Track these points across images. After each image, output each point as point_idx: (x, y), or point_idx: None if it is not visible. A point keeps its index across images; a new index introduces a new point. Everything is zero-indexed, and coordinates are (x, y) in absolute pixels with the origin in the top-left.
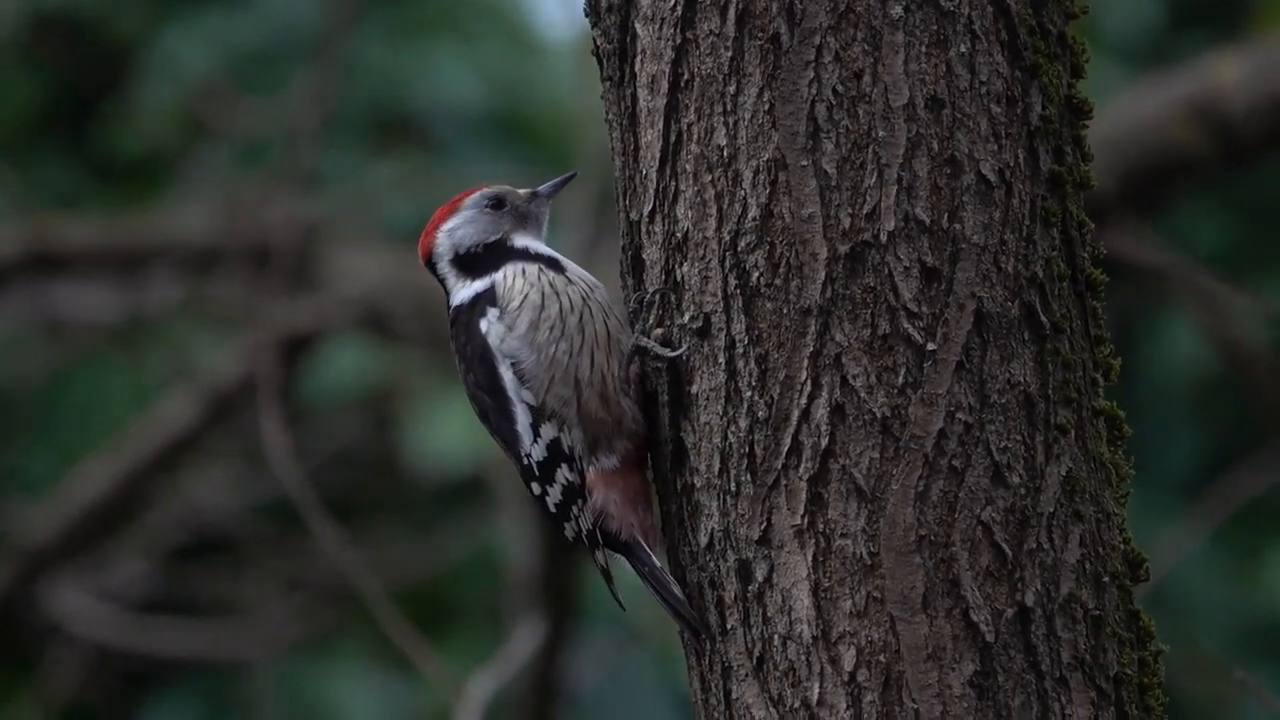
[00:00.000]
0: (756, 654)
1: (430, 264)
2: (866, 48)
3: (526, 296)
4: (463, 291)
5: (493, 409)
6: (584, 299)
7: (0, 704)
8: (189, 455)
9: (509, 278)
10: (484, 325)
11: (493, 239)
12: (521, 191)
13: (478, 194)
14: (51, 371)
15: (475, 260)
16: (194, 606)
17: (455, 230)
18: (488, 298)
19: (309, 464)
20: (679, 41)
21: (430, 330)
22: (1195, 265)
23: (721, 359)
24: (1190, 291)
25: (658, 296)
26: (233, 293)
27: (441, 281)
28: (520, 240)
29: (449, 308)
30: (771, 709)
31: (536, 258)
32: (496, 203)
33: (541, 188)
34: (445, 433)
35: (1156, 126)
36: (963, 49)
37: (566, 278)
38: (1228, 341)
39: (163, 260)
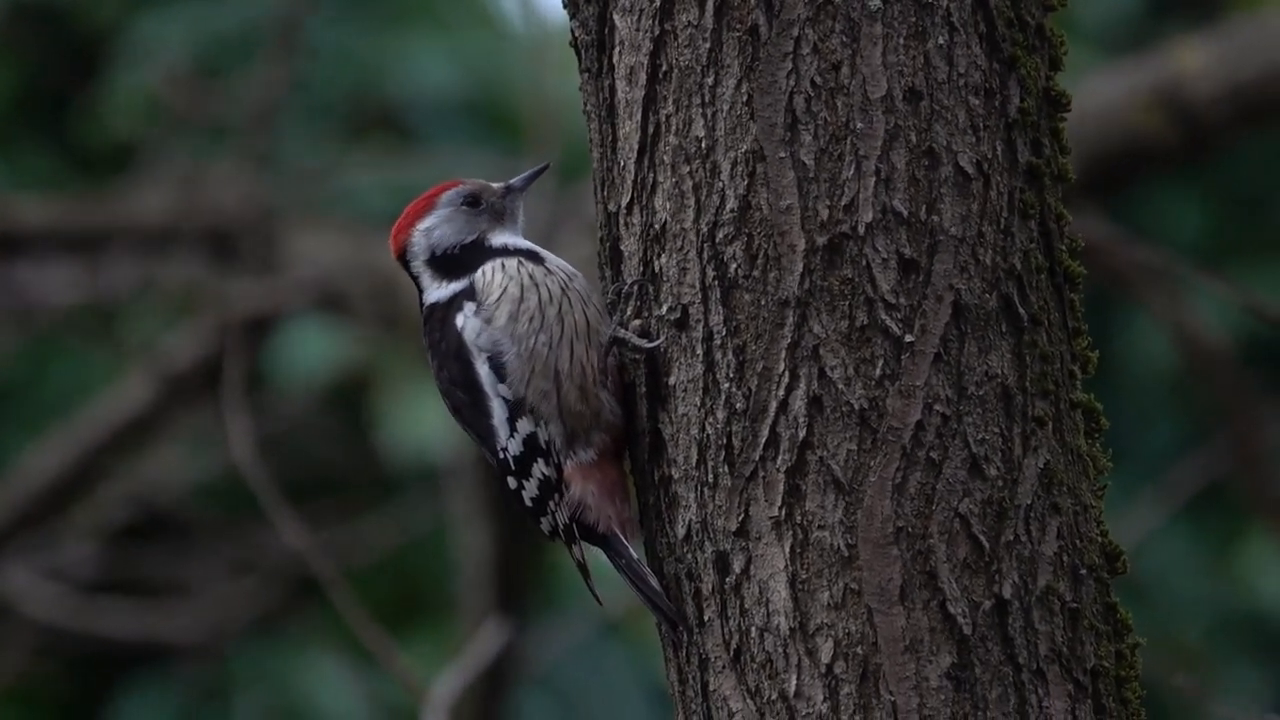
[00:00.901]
0: (734, 646)
1: (403, 260)
2: (845, 39)
3: (505, 289)
4: (438, 291)
5: (467, 404)
6: (563, 289)
7: None
8: (146, 437)
9: (488, 274)
10: (460, 320)
11: (470, 239)
12: (496, 186)
13: (452, 191)
14: (17, 354)
15: (453, 261)
16: (145, 588)
17: (432, 230)
18: (465, 294)
19: (276, 449)
20: (657, 33)
21: (387, 312)
22: (1160, 252)
23: (699, 350)
24: (1151, 280)
25: (636, 288)
26: (189, 274)
27: (415, 278)
28: (498, 239)
29: (421, 305)
30: (749, 701)
31: (515, 252)
32: (472, 200)
33: (515, 180)
34: (418, 421)
35: (1119, 112)
36: (941, 41)
37: (545, 268)
38: (1185, 332)
39: (121, 241)
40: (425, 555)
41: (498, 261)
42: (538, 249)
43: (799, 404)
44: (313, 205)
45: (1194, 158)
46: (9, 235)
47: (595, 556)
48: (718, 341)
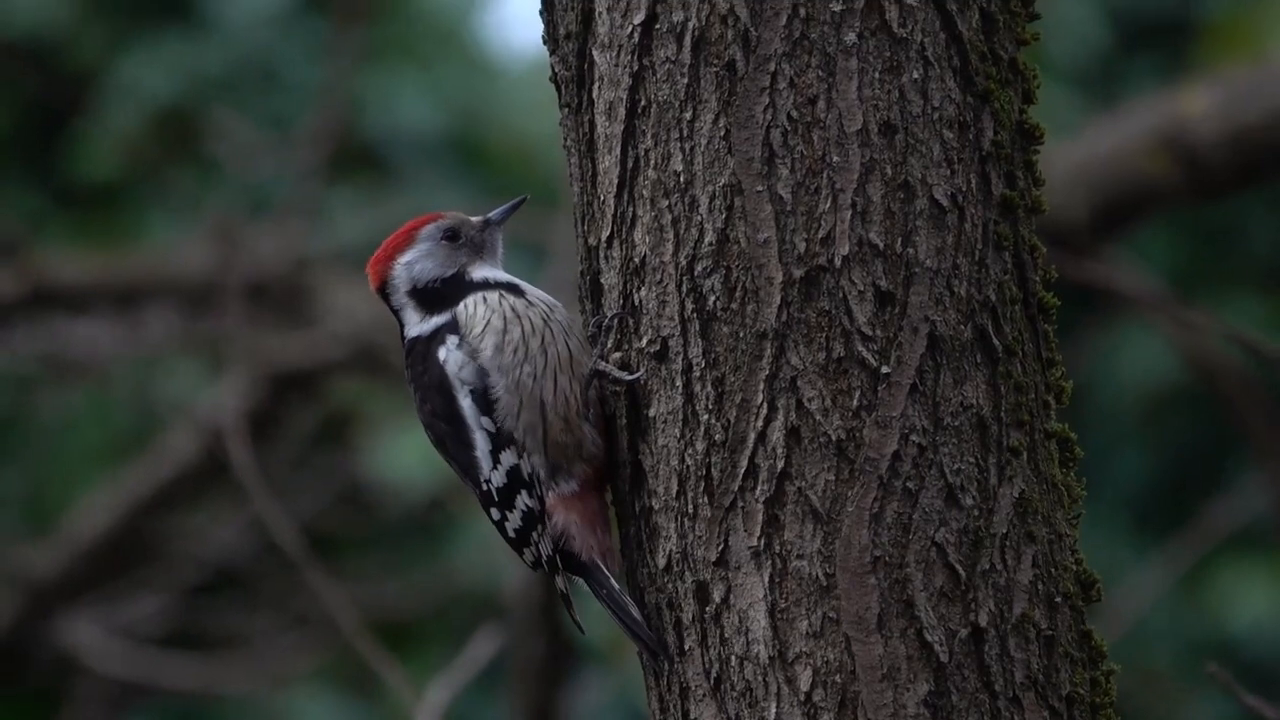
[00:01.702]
0: (714, 674)
1: (383, 293)
2: (821, 74)
3: (489, 322)
4: (421, 325)
5: (450, 436)
6: (544, 320)
7: None
8: (196, 491)
9: (470, 307)
10: (442, 353)
11: (451, 273)
12: (475, 219)
13: (432, 225)
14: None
15: (434, 294)
16: (210, 641)
17: (413, 264)
18: (448, 327)
19: (313, 500)
20: (636, 68)
21: None
22: (1163, 287)
23: (679, 382)
24: (1164, 313)
25: (616, 320)
26: (227, 328)
27: (396, 312)
28: (479, 272)
29: (403, 339)
30: None
31: (496, 285)
32: (452, 235)
33: (493, 214)
34: (406, 457)
35: (1127, 157)
36: (915, 75)
37: (526, 300)
38: (1202, 358)
39: (158, 296)
40: (420, 590)
41: (479, 295)
42: (518, 281)
43: (777, 435)
44: (341, 255)
45: (1199, 201)
46: (46, 292)
47: (579, 586)
48: (697, 373)
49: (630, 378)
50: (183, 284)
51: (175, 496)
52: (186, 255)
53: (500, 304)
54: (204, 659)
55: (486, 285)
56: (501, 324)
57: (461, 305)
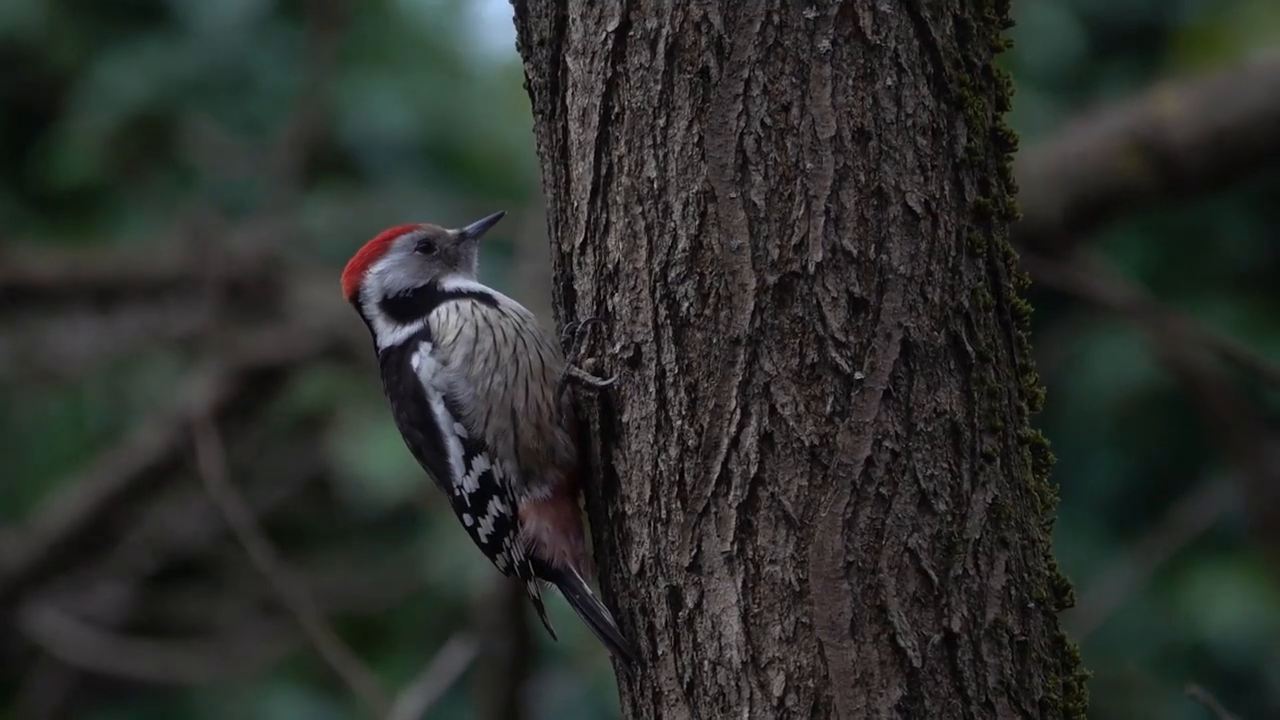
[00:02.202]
0: (687, 679)
1: (356, 302)
2: (794, 81)
3: (460, 331)
4: (394, 334)
5: (425, 444)
6: (517, 330)
7: None
8: (164, 484)
9: (442, 315)
10: (415, 361)
11: (423, 283)
12: (450, 232)
13: (406, 236)
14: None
15: (405, 304)
16: (174, 629)
17: (385, 274)
18: (421, 335)
19: (274, 493)
20: (609, 75)
21: None
22: (1140, 291)
23: (652, 388)
24: (1140, 316)
25: (589, 327)
26: (199, 323)
27: (368, 322)
28: (451, 283)
29: (376, 349)
30: None
31: (469, 295)
32: (426, 246)
33: (469, 228)
34: (380, 459)
35: (1100, 158)
36: (889, 82)
37: (499, 310)
38: (1180, 363)
39: (131, 292)
40: (391, 592)
41: (451, 304)
42: (490, 291)
43: (750, 440)
44: (314, 254)
45: (1173, 202)
46: (18, 286)
47: (551, 591)
48: (670, 379)
49: (603, 383)
50: (155, 281)
51: (145, 489)
52: (159, 253)
53: (473, 313)
54: (169, 648)
55: (459, 295)
56: (473, 333)
57: (434, 314)
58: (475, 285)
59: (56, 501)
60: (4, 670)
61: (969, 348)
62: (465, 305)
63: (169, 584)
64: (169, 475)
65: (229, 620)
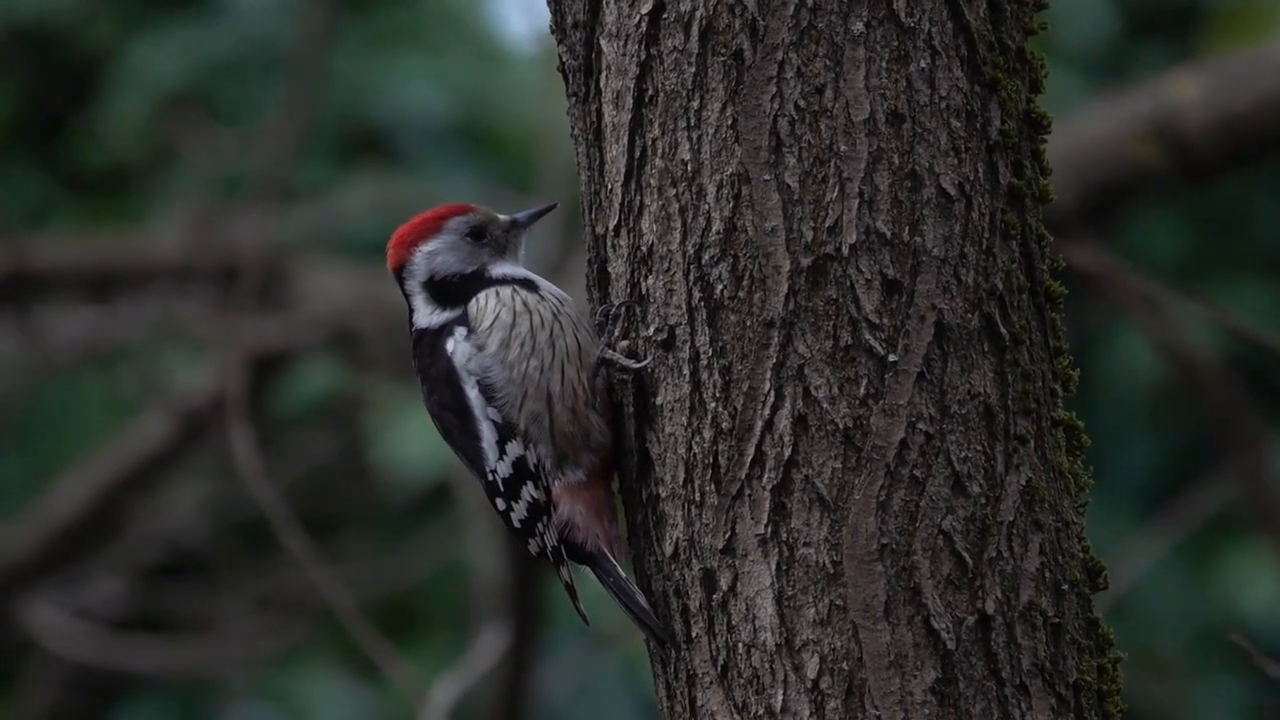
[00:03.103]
0: (721, 662)
1: (399, 276)
2: (828, 63)
3: (498, 316)
4: (432, 316)
5: (457, 427)
6: (554, 314)
7: None
8: (165, 473)
9: (481, 301)
10: (450, 345)
11: (471, 270)
12: (502, 219)
13: (460, 219)
14: (31, 388)
15: (450, 288)
16: (170, 624)
17: (435, 255)
18: (458, 320)
19: (282, 480)
20: (643, 57)
21: (400, 348)
22: (1149, 277)
23: (686, 371)
24: (1144, 305)
25: (623, 309)
26: (204, 311)
27: (408, 297)
28: (498, 270)
29: (411, 326)
30: (736, 716)
31: (511, 281)
32: (478, 232)
33: (520, 215)
34: (411, 444)
35: (1115, 143)
36: (923, 64)
37: (539, 295)
38: (1179, 354)
39: (136, 280)
40: (425, 578)
41: (493, 290)
42: (533, 277)
43: (784, 423)
44: (323, 236)
45: (1188, 187)
46: (23, 274)
47: (584, 574)
48: (704, 362)
49: (637, 366)
50: (161, 268)
51: (147, 479)
52: (164, 240)
53: (512, 299)
54: (167, 641)
55: (503, 281)
56: (510, 318)
57: (473, 301)
58: (520, 272)
59: (59, 490)
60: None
61: (1003, 330)
62: (505, 291)
63: (166, 578)
64: (172, 465)
65: (229, 614)
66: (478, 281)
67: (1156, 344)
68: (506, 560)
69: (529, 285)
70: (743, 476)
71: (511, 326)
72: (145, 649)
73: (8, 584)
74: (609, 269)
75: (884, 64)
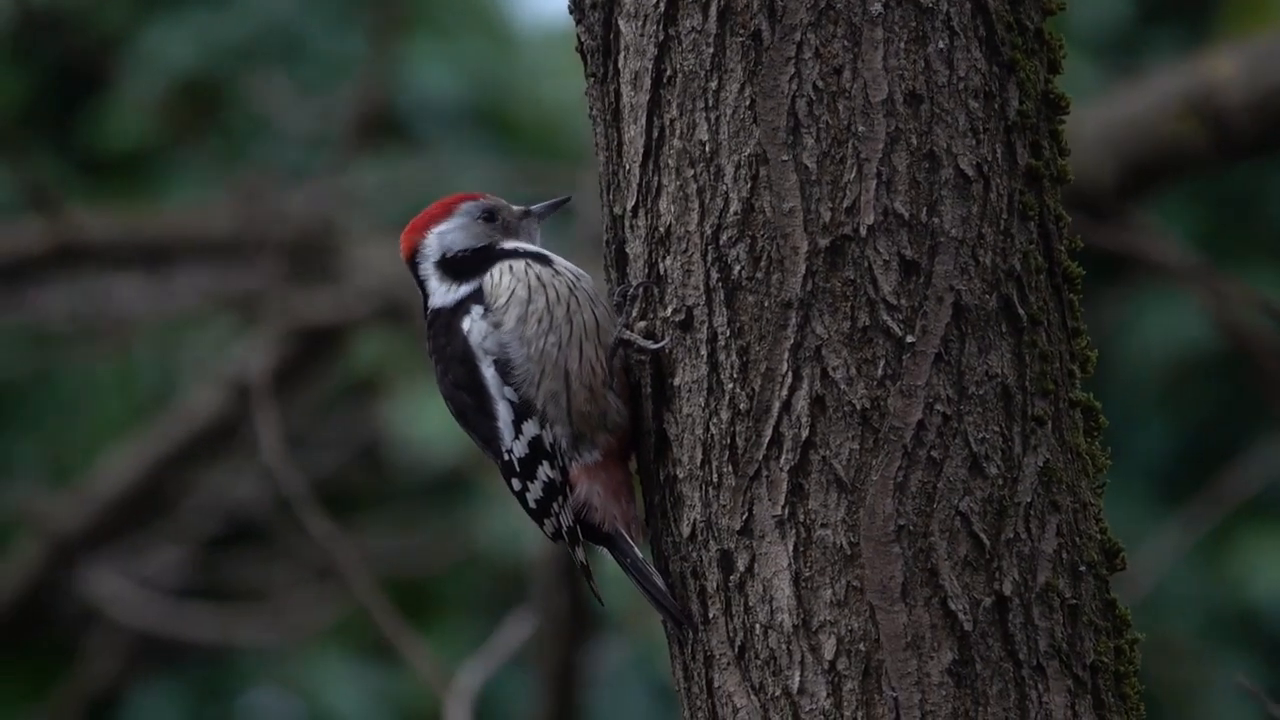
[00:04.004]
0: (738, 643)
1: (413, 262)
2: (846, 44)
3: (513, 292)
4: (446, 295)
5: (472, 408)
6: (570, 289)
7: (38, 690)
8: (219, 445)
9: (496, 275)
10: (466, 324)
11: (482, 245)
12: (515, 208)
13: (472, 203)
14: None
15: (463, 264)
16: (230, 593)
17: (446, 234)
18: (473, 297)
19: (324, 456)
20: (662, 38)
21: None
22: (1192, 254)
23: (703, 351)
24: (1193, 279)
25: (641, 290)
26: (253, 286)
27: (422, 282)
28: (510, 244)
29: (425, 309)
30: (753, 697)
31: (524, 255)
32: (490, 215)
33: (535, 207)
34: (430, 423)
35: (1153, 121)
36: (941, 45)
37: (553, 269)
38: (1233, 324)
39: (186, 254)
40: (440, 559)
41: (505, 264)
42: (546, 252)
43: (802, 404)
44: (370, 216)
45: (1227, 164)
46: (73, 249)
47: (601, 556)
48: (722, 343)
49: (655, 346)
50: (210, 242)
51: (198, 451)
52: (214, 214)
53: (526, 273)
54: (225, 611)
55: (515, 254)
56: (526, 294)
57: (487, 275)
58: (532, 246)
59: (110, 464)
60: (61, 632)
61: (1020, 311)
62: (519, 265)
63: (225, 548)
64: (224, 438)
65: (284, 584)
66: (489, 254)
67: (1211, 316)
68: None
69: (542, 259)
70: (760, 458)
71: (528, 302)
72: (204, 618)
73: (60, 556)
74: (627, 249)
75: (902, 44)
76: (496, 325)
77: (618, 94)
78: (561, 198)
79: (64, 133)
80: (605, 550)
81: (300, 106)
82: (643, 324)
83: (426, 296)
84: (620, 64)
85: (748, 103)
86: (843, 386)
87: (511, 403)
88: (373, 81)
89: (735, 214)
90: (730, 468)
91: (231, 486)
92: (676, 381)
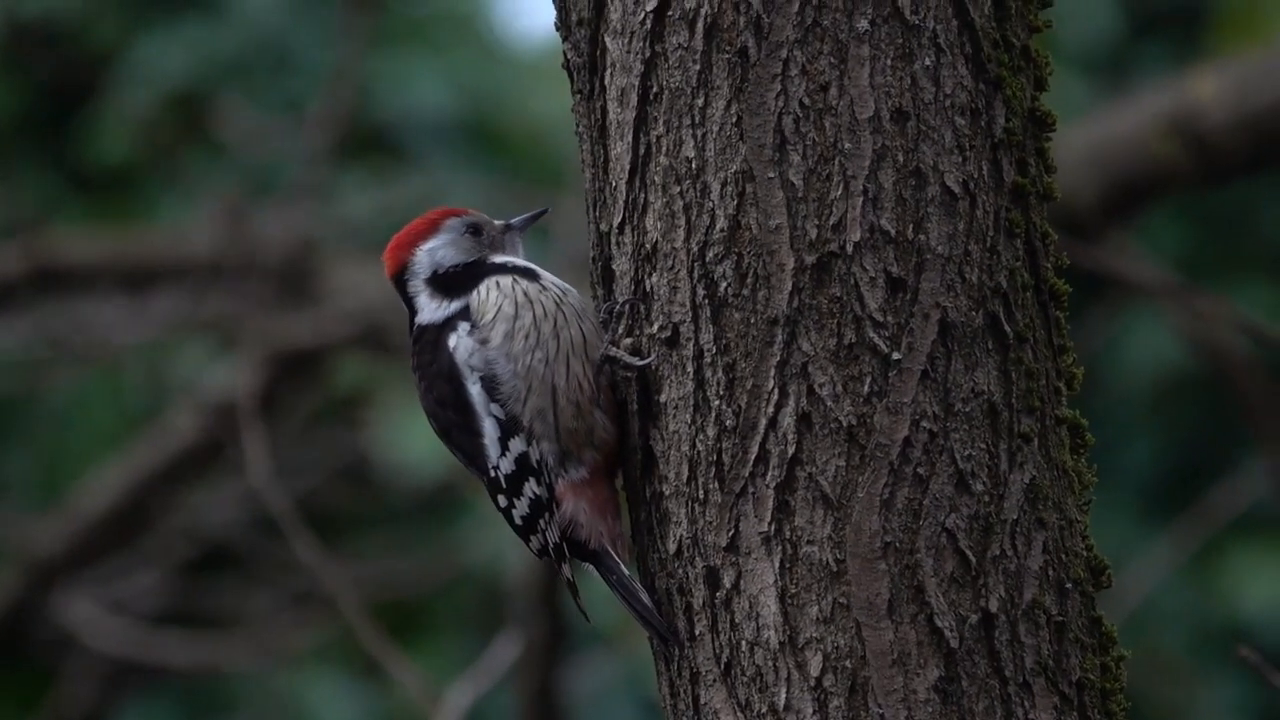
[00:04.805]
0: (724, 660)
1: (400, 279)
2: (833, 61)
3: (500, 308)
4: (435, 312)
5: (456, 425)
6: (557, 304)
7: (16, 715)
8: (200, 469)
9: (484, 291)
10: (452, 340)
11: (473, 259)
12: (497, 223)
13: (456, 219)
14: (62, 387)
15: (453, 279)
16: (206, 619)
17: (436, 250)
18: (460, 314)
19: (307, 479)
20: (648, 55)
21: None
22: (1173, 274)
23: (690, 368)
24: (1171, 298)
25: (627, 306)
26: (233, 307)
27: (409, 300)
28: (498, 257)
29: (412, 325)
30: (739, 714)
31: (512, 270)
32: (475, 230)
33: (515, 220)
34: (416, 442)
35: (1136, 141)
36: (927, 62)
37: (540, 284)
38: (1212, 346)
39: (167, 276)
40: (429, 576)
41: (494, 279)
42: (534, 267)
43: (788, 421)
44: (351, 236)
45: (1209, 185)
46: (52, 271)
47: (587, 572)
48: (708, 359)
49: (641, 363)
50: (189, 264)
51: (180, 474)
52: (193, 236)
53: (514, 289)
54: (202, 636)
55: (503, 269)
56: (513, 310)
57: (475, 291)
58: (520, 260)
59: (90, 485)
60: (36, 659)
61: (1007, 328)
62: (506, 281)
63: (202, 572)
64: (204, 460)
65: (263, 609)
66: (480, 268)
67: (1186, 335)
68: (534, 561)
69: (529, 274)
70: (746, 474)
71: (515, 318)
72: (181, 643)
73: (39, 579)
74: (613, 266)
75: (889, 61)
76: (483, 342)
77: (604, 110)
78: (539, 210)
79: (56, 147)
80: (591, 567)
81: (280, 125)
82: (629, 340)
83: (413, 313)
84: (607, 80)
85: (734, 120)
86: (829, 403)
87: (498, 419)
88: (344, 90)
89: (722, 231)
90: (716, 484)
91: (209, 511)
92: (663, 398)
